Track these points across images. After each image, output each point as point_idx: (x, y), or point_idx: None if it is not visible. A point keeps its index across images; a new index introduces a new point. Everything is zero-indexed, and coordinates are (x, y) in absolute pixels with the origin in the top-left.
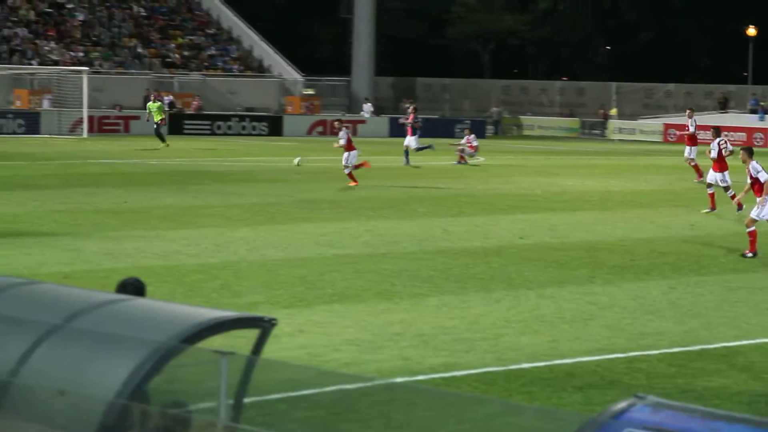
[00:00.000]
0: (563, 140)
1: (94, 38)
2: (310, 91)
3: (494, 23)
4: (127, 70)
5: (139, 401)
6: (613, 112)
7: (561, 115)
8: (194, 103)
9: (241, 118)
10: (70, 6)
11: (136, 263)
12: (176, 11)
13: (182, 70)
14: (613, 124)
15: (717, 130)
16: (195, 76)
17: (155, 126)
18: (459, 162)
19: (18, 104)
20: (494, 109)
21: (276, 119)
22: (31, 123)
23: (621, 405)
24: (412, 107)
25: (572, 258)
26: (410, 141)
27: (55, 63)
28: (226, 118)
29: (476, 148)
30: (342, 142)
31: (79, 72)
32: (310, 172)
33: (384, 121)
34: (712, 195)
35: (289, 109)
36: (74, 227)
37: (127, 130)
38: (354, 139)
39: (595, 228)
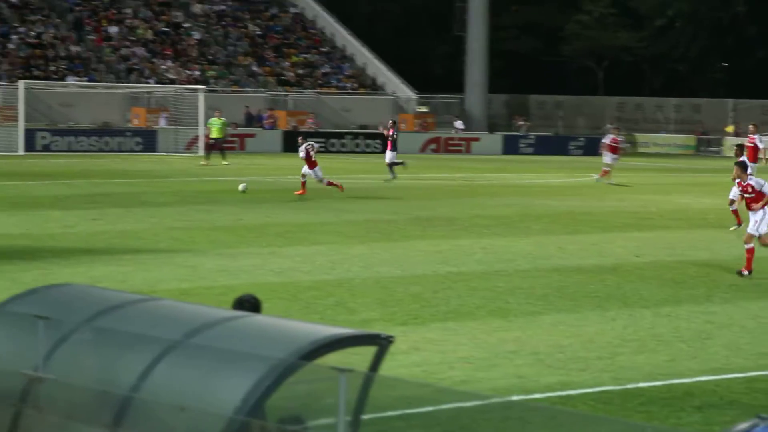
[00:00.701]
0: (679, 157)
1: (210, 57)
2: (424, 109)
3: (609, 40)
4: (243, 88)
5: (258, 418)
6: (730, 129)
7: (678, 132)
8: (309, 120)
9: (355, 135)
10: (186, 25)
11: (251, 280)
12: (291, 30)
13: (297, 88)
14: (730, 141)
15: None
16: (309, 94)
17: (213, 142)
18: (602, 178)
19: (136, 122)
20: (608, 126)
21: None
22: (148, 141)
23: (744, 426)
24: (391, 122)
25: (689, 276)
26: (389, 155)
27: (172, 82)
28: (339, 135)
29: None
30: (301, 155)
31: (195, 90)
32: (424, 188)
33: (497, 138)
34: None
35: (403, 126)
36: (191, 244)
37: (242, 147)
38: (468, 157)
39: (712, 246)
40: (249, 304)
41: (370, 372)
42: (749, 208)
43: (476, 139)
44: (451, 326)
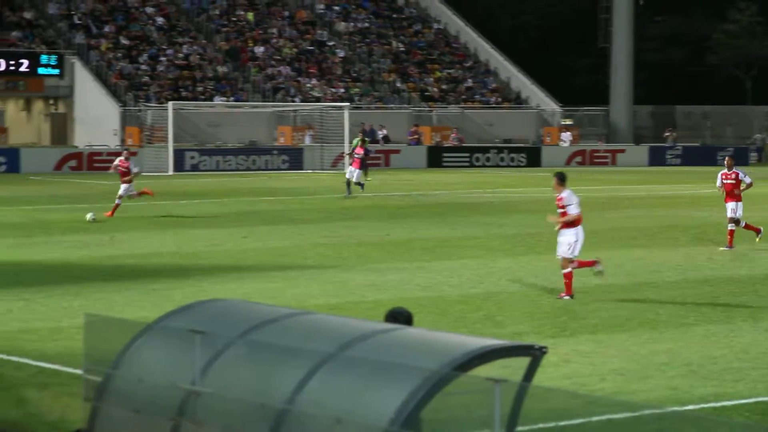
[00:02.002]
0: None
1: (354, 74)
2: (568, 122)
3: (757, 48)
4: (387, 104)
5: (412, 429)
6: None
7: None
8: (452, 135)
9: (500, 149)
10: (330, 43)
11: (399, 294)
12: (434, 45)
13: (440, 103)
14: None
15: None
16: (453, 109)
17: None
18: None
19: (282, 141)
20: (758, 136)
21: (534, 150)
22: (294, 159)
23: None
24: (361, 140)
25: None
26: (353, 173)
27: (317, 99)
28: (484, 150)
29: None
30: (119, 169)
31: (341, 108)
32: None
33: (643, 150)
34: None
35: (548, 139)
36: (339, 260)
37: (387, 163)
38: (614, 169)
39: None
40: (402, 317)
41: (525, 382)
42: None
43: (622, 151)
44: (601, 338)
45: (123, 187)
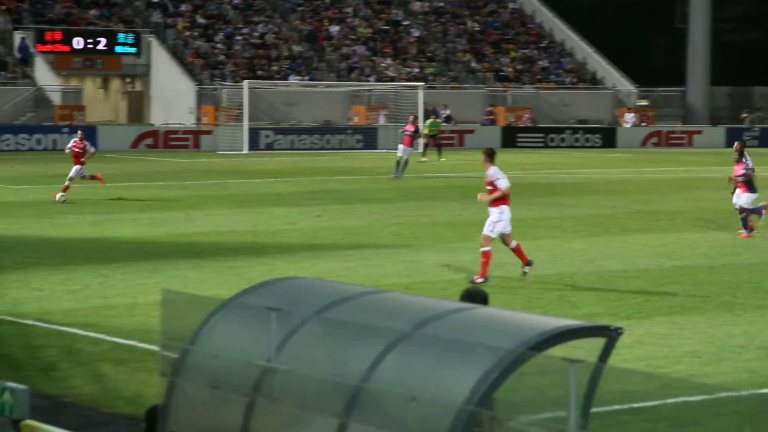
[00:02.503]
0: None
1: (429, 54)
2: (644, 102)
3: None
4: (461, 84)
5: (487, 408)
6: None
7: None
8: (526, 116)
9: (575, 130)
10: (406, 23)
11: (473, 274)
12: (510, 25)
13: (515, 83)
14: None
15: None
16: (528, 89)
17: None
18: None
19: (356, 120)
20: None
21: (610, 131)
22: (368, 138)
23: None
24: (412, 117)
25: None
26: (405, 151)
27: (391, 79)
28: (559, 130)
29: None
30: (74, 150)
31: (415, 87)
32: (645, 182)
33: (720, 131)
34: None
35: (623, 120)
36: (412, 239)
37: (461, 144)
38: (689, 150)
39: None
40: (478, 297)
41: (600, 363)
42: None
43: (698, 132)
44: (677, 320)
45: (75, 168)
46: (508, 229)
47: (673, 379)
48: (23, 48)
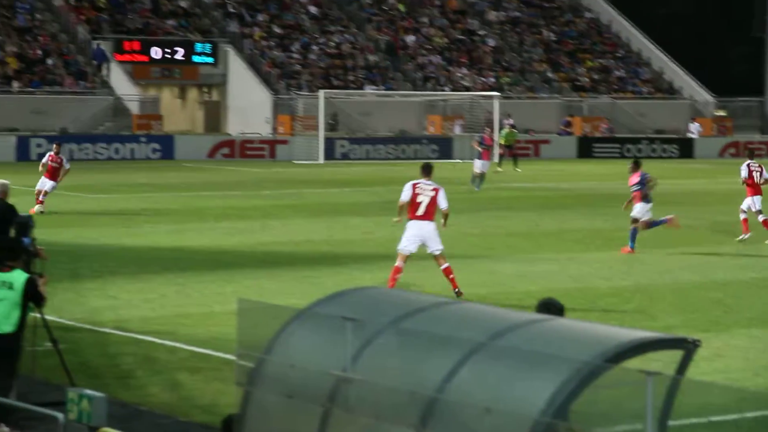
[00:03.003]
0: None
1: (505, 64)
2: (722, 113)
3: None
4: (537, 94)
5: (563, 420)
6: None
7: None
8: (602, 126)
9: (651, 140)
10: (481, 33)
11: (549, 285)
12: (586, 35)
13: (591, 93)
14: None
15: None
16: (604, 99)
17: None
18: None
19: (431, 130)
20: None
21: (686, 141)
22: (444, 148)
23: None
24: (488, 129)
25: None
26: (483, 165)
27: (467, 89)
28: (635, 140)
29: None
30: (49, 165)
31: (490, 97)
32: (723, 193)
33: None
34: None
35: (701, 130)
36: (488, 250)
37: (537, 154)
38: None
39: None
40: (555, 307)
41: (677, 375)
42: None
43: None
44: (756, 333)
45: (49, 184)
46: (400, 247)
47: (752, 393)
48: (98, 54)
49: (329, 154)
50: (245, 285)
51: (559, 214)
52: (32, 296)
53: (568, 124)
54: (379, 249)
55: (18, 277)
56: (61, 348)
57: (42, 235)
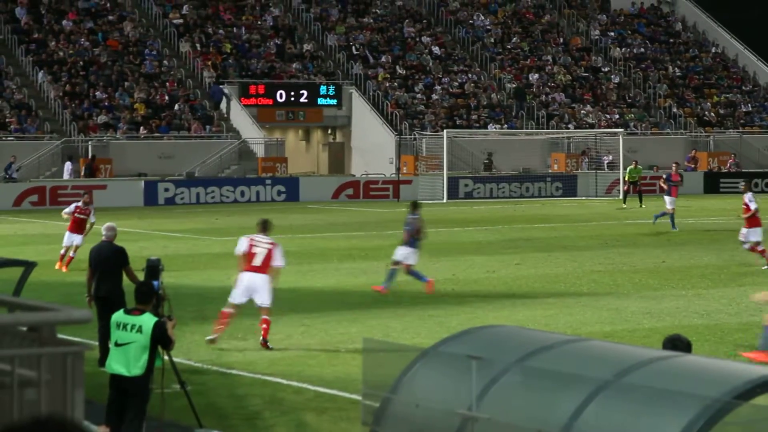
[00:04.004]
0: None
1: (629, 100)
2: None
3: None
4: (662, 130)
5: None
6: None
7: None
8: (730, 161)
9: None
10: (605, 69)
11: (676, 322)
12: (712, 69)
13: (717, 128)
14: None
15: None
16: (731, 134)
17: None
18: None
19: (555, 167)
20: None
21: None
22: (568, 186)
23: None
24: (675, 164)
25: None
26: (672, 202)
27: (591, 126)
28: (763, 175)
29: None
30: (75, 216)
31: (615, 134)
32: None
33: None
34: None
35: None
36: (613, 287)
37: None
38: None
39: None
40: (682, 344)
41: None
42: None
43: None
44: None
45: (78, 238)
46: (230, 298)
47: None
48: (216, 92)
49: (453, 193)
50: (370, 325)
51: (685, 250)
52: (161, 340)
53: (693, 160)
54: (503, 287)
55: (147, 320)
56: (189, 390)
57: (170, 278)
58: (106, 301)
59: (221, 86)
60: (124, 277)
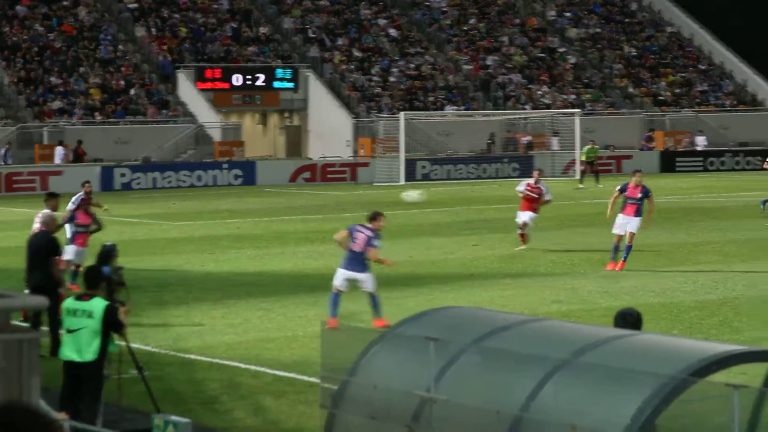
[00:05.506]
0: None
1: (586, 80)
2: None
3: None
4: (618, 110)
5: None
6: None
7: None
8: (685, 140)
9: (735, 153)
10: (561, 50)
11: (633, 301)
12: (667, 49)
13: (673, 107)
14: None
15: None
16: (686, 113)
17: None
18: None
19: (511, 149)
20: None
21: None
22: (525, 166)
23: None
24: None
25: None
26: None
27: (548, 107)
28: (718, 154)
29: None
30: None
31: (571, 114)
32: None
33: None
34: None
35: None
36: (570, 267)
37: (619, 169)
38: None
39: None
40: (632, 317)
41: (765, 388)
42: None
43: None
44: None
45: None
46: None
47: None
48: (165, 65)
49: (410, 176)
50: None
51: (641, 230)
52: (111, 324)
53: (649, 139)
54: (460, 268)
55: (97, 305)
56: (146, 375)
57: (127, 263)
58: (39, 290)
59: (167, 60)
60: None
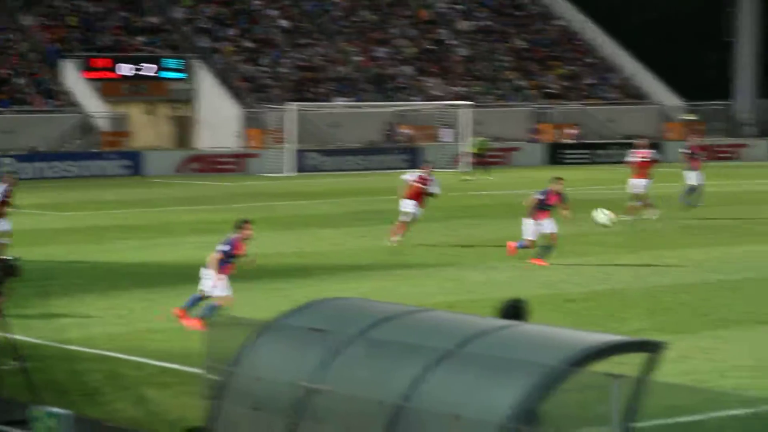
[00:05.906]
0: None
1: (476, 73)
2: (692, 117)
3: None
4: (508, 102)
5: (531, 425)
6: None
7: None
8: (571, 131)
9: (621, 145)
10: (452, 42)
11: (519, 293)
12: (557, 42)
13: (561, 100)
14: None
15: None
16: (574, 105)
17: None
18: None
19: (403, 141)
20: None
21: (655, 146)
22: (414, 158)
23: None
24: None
25: None
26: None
27: (437, 99)
28: (605, 146)
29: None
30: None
31: (461, 106)
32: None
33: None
34: None
35: (670, 135)
36: (457, 258)
37: (508, 162)
38: (737, 164)
39: None
40: (517, 308)
41: (643, 377)
42: None
43: (745, 146)
44: (722, 334)
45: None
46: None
47: (717, 393)
48: (51, 54)
49: (300, 167)
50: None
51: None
52: None
53: (537, 131)
54: (349, 260)
55: None
56: (27, 366)
57: (11, 253)
58: None
59: (54, 48)
60: None
